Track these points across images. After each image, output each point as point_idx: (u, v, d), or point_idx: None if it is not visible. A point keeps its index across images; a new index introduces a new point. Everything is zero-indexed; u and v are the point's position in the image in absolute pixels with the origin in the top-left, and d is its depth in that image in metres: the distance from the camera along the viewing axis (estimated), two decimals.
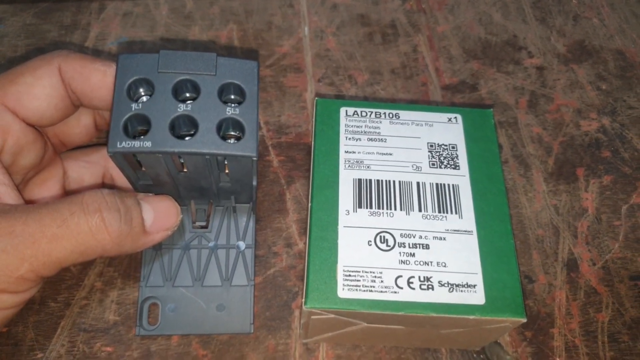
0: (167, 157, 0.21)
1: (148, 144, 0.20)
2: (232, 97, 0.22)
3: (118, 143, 0.20)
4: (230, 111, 0.21)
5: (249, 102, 0.22)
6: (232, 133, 0.22)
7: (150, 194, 0.23)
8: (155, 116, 0.20)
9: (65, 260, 0.20)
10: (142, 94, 0.21)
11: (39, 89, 0.22)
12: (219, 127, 0.21)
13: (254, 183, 0.25)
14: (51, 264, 0.20)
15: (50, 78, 0.23)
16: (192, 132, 0.21)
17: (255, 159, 0.21)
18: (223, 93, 0.22)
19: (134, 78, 0.21)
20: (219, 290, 0.27)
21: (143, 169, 0.23)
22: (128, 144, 0.20)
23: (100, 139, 0.30)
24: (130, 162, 0.22)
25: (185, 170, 0.23)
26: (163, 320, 0.27)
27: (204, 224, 0.28)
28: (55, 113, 0.23)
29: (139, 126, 0.21)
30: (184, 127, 0.21)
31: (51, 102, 0.23)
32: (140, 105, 0.21)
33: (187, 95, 0.22)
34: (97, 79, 0.23)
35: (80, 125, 0.26)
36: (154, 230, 0.22)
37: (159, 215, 0.22)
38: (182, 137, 0.21)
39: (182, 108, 0.21)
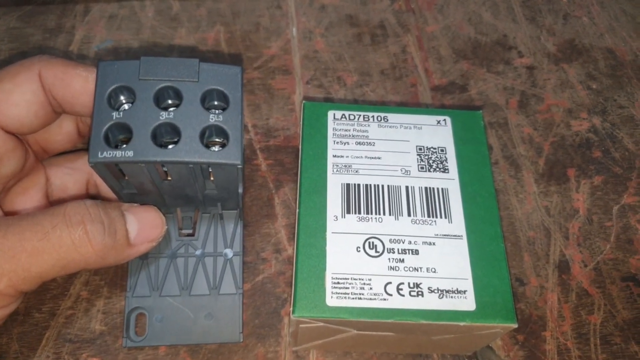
0: (150, 166, 0.21)
1: (130, 153, 0.20)
2: (216, 103, 0.22)
3: (99, 153, 0.19)
4: (214, 118, 0.21)
5: (233, 108, 0.21)
6: (217, 140, 0.21)
7: (135, 205, 0.22)
8: (136, 125, 0.20)
9: (47, 275, 0.20)
10: (124, 101, 0.21)
11: (18, 96, 0.22)
12: (202, 135, 0.20)
13: (240, 190, 0.24)
14: (31, 279, 0.19)
15: (30, 84, 0.22)
16: (175, 140, 0.21)
17: (240, 167, 0.21)
18: (206, 100, 0.21)
19: (114, 86, 0.20)
20: (206, 299, 0.27)
21: (126, 178, 0.23)
22: (109, 153, 0.19)
23: (84, 145, 0.29)
24: (112, 172, 0.21)
25: (169, 178, 0.23)
26: (150, 331, 0.26)
27: (190, 231, 0.28)
28: (35, 120, 0.23)
29: (121, 135, 0.21)
30: (166, 135, 0.21)
31: (31, 109, 0.22)
32: (121, 113, 0.20)
33: (170, 102, 0.21)
34: (79, 85, 0.22)
35: (63, 132, 0.26)
36: (138, 242, 0.22)
37: (143, 226, 0.22)
38: (164, 146, 0.20)
39: (164, 116, 0.20)
